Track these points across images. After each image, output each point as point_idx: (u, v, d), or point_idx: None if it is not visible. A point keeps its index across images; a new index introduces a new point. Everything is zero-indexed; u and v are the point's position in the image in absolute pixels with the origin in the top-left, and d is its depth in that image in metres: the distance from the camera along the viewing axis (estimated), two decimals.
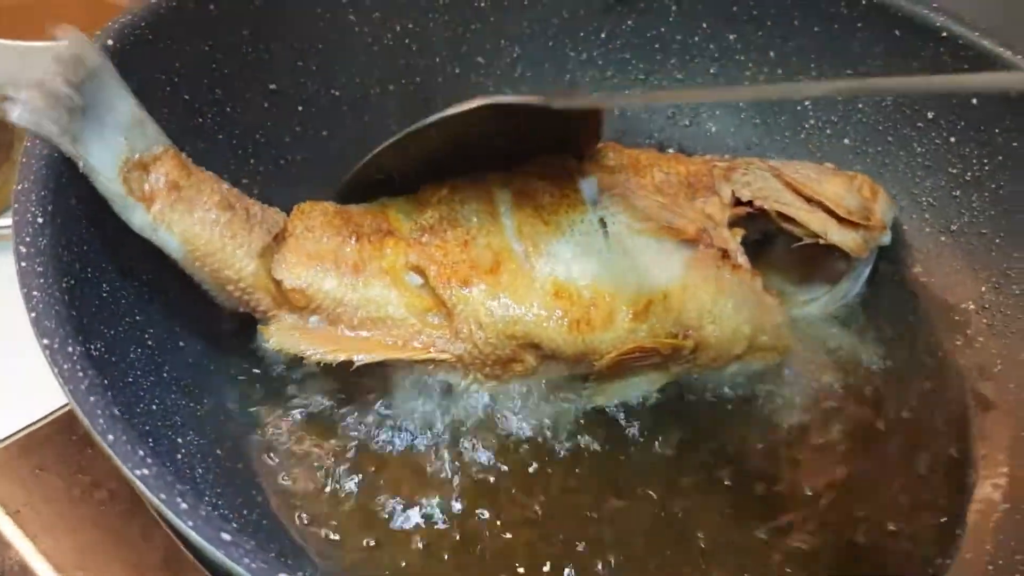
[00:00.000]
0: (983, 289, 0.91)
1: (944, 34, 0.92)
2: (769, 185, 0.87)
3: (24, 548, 0.77)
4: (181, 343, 0.77)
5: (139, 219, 0.69)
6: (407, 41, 1.00)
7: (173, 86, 0.82)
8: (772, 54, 1.03)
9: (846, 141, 1.01)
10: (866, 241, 0.87)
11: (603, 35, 1.05)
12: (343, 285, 0.75)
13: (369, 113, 0.99)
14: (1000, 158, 0.91)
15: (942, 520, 0.78)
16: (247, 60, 0.89)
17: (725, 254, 0.80)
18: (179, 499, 0.48)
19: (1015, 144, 0.90)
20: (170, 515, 0.48)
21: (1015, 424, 0.83)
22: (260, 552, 0.47)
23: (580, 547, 0.73)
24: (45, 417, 0.85)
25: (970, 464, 0.82)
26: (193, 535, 0.47)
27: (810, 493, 0.78)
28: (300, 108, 0.95)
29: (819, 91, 0.72)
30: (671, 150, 1.07)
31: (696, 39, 1.05)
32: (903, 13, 0.94)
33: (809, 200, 0.86)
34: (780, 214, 0.85)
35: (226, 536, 0.47)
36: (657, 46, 1.06)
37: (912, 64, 0.95)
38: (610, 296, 0.76)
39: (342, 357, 0.73)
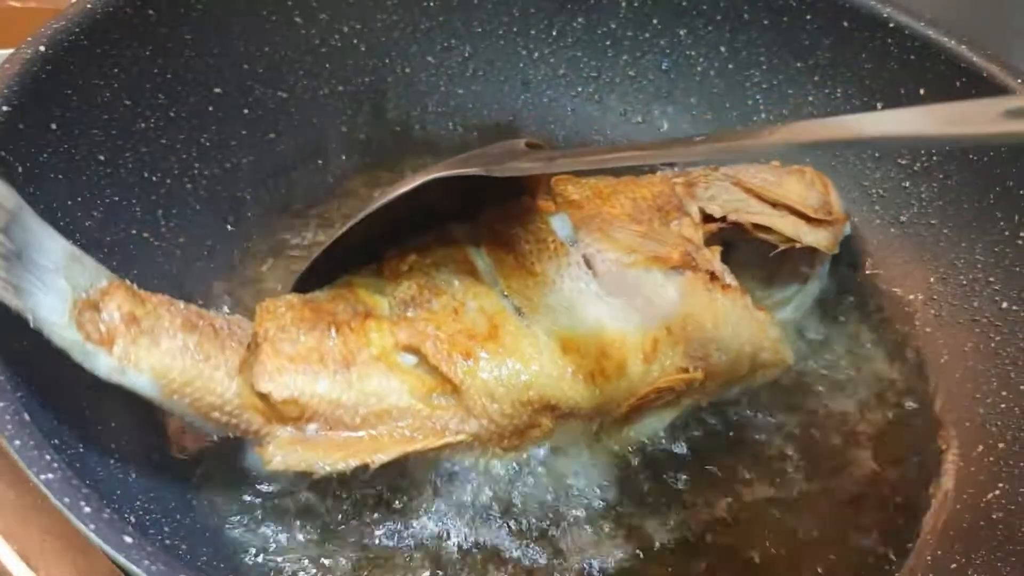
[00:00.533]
0: (931, 280, 0.91)
1: (891, 24, 0.92)
2: (734, 196, 0.86)
3: None
4: None
5: (103, 365, 0.62)
6: (355, 42, 1.00)
7: (113, 91, 0.82)
8: (722, 48, 1.03)
9: None
10: (835, 236, 0.87)
11: (554, 33, 1.05)
12: (337, 384, 0.68)
13: (318, 115, 1.00)
14: (948, 148, 0.91)
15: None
16: (189, 64, 0.89)
17: (713, 276, 0.77)
18: (82, 503, 0.48)
19: None
20: (72, 519, 0.48)
21: (961, 414, 0.82)
22: (162, 554, 0.47)
23: None
24: None
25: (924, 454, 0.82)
26: (95, 539, 0.47)
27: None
28: (246, 111, 0.94)
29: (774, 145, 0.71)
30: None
31: (647, 35, 1.04)
32: (850, 4, 0.95)
33: (774, 204, 0.86)
34: (754, 224, 0.85)
35: (128, 539, 0.47)
36: (608, 43, 1.06)
37: (861, 55, 0.96)
38: (618, 341, 0.72)
39: (355, 463, 0.66)
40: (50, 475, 0.50)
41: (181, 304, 0.69)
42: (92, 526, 0.48)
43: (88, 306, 0.62)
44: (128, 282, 0.67)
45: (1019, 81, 0.86)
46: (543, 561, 0.72)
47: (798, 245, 0.85)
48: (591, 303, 0.73)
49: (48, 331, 0.59)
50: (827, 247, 0.86)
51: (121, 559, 0.47)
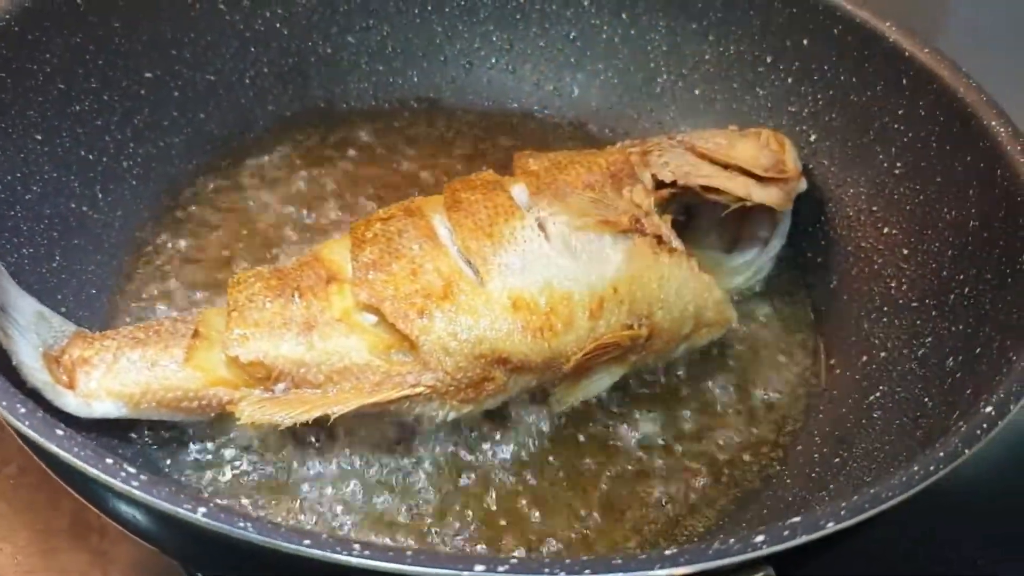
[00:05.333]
0: (821, 215, 0.97)
1: None
2: (686, 161, 0.90)
3: None
4: None
5: (71, 403, 0.71)
6: (278, 26, 1.07)
7: (46, 76, 0.87)
8: (624, 15, 1.10)
9: (697, 92, 1.09)
10: (787, 193, 0.91)
11: (466, 8, 1.12)
12: (300, 345, 0.74)
13: (246, 95, 1.06)
14: (831, 92, 0.98)
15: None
16: (120, 50, 0.95)
17: (660, 240, 0.81)
18: (19, 405, 0.54)
19: (842, 78, 0.97)
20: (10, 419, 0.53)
21: (848, 331, 0.90)
22: (91, 445, 0.53)
23: None
24: None
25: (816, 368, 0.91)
26: (30, 433, 0.53)
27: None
28: (177, 94, 1.00)
29: None
30: (538, 112, 1.14)
31: (553, 7, 1.11)
32: None
33: (726, 167, 0.90)
34: (703, 187, 0.89)
35: (60, 432, 0.53)
36: (518, 16, 1.12)
37: (749, 12, 1.03)
38: (565, 299, 0.76)
39: (316, 413, 0.71)
40: None
41: (126, 329, 0.77)
42: (27, 422, 0.54)
43: (54, 360, 0.71)
44: (85, 331, 0.76)
45: (887, 24, 0.93)
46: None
47: (748, 203, 0.89)
48: (542, 263, 0.77)
49: (25, 372, 0.68)
50: (779, 204, 0.90)
51: (54, 448, 0.53)
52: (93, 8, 0.91)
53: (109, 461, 0.53)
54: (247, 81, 1.06)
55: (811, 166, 0.99)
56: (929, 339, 0.81)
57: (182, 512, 0.51)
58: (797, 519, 0.53)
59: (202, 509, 0.51)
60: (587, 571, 0.50)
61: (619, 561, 0.51)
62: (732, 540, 0.52)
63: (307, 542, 0.50)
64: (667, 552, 0.51)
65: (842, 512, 0.54)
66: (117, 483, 0.52)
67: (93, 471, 0.52)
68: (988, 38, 1.42)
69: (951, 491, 0.61)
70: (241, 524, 0.50)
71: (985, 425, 0.60)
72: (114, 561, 0.85)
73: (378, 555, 0.50)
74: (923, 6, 1.50)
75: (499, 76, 1.15)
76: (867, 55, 0.94)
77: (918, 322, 0.83)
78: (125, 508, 0.57)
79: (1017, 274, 0.74)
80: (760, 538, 0.52)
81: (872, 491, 0.56)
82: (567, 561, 0.51)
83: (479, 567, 0.49)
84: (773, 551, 0.52)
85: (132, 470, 0.53)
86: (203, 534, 0.52)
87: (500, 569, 0.50)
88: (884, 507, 0.55)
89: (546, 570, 0.50)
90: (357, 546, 0.50)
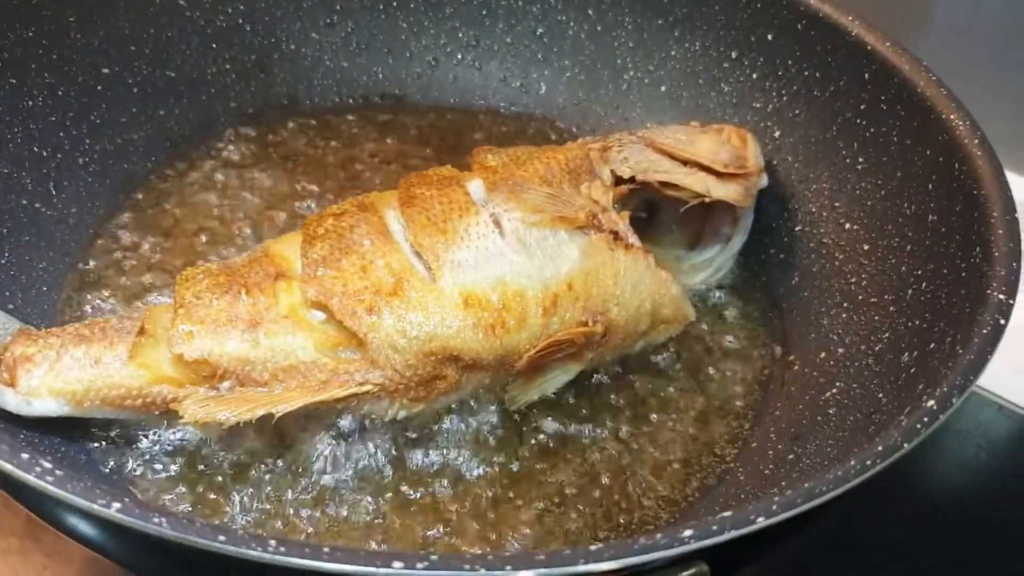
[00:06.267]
0: (784, 212, 0.97)
1: None
2: (645, 157, 0.89)
3: None
4: None
5: (11, 401, 0.70)
6: (240, 22, 1.06)
7: None
8: (590, 12, 1.09)
9: (663, 88, 1.08)
10: (747, 189, 0.90)
11: (432, 3, 1.11)
12: (245, 342, 0.72)
13: (207, 92, 1.05)
14: (795, 87, 0.97)
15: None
16: (76, 45, 0.94)
17: (616, 236, 0.80)
18: None
19: (806, 73, 0.96)
20: None
21: (807, 328, 0.89)
22: (9, 439, 0.52)
23: None
24: None
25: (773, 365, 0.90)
26: None
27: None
28: (135, 90, 1.00)
29: None
30: (505, 109, 1.13)
31: (520, 3, 1.11)
32: None
33: (685, 163, 0.89)
34: (662, 183, 0.88)
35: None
36: (484, 12, 1.12)
37: (714, 8, 1.02)
38: (518, 295, 0.76)
39: (261, 412, 0.70)
40: None
41: (72, 326, 0.75)
42: None
43: None
44: (30, 328, 0.75)
45: (850, 19, 0.92)
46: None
47: (707, 199, 0.88)
48: (496, 260, 0.76)
49: None
50: (738, 200, 0.89)
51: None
52: (46, 2, 0.91)
53: (25, 456, 0.52)
54: (208, 77, 1.05)
55: (775, 162, 0.98)
56: (887, 335, 0.80)
57: (96, 508, 0.50)
58: (728, 513, 0.52)
59: (116, 504, 0.50)
60: (508, 567, 0.49)
61: (542, 557, 0.50)
62: (659, 535, 0.51)
63: (222, 538, 0.49)
64: (592, 548, 0.50)
65: (773, 507, 0.53)
66: (31, 478, 0.51)
67: (7, 466, 0.51)
68: (969, 35, 1.42)
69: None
70: (156, 519, 0.49)
71: (926, 419, 0.59)
72: (68, 563, 0.84)
73: (295, 551, 0.49)
74: (904, 4, 1.50)
75: (465, 72, 1.14)
76: (830, 49, 0.94)
77: (876, 318, 0.82)
78: (46, 506, 0.56)
79: (971, 268, 0.73)
80: (688, 532, 0.51)
81: (807, 485, 0.54)
82: (489, 557, 0.49)
83: (397, 564, 0.48)
84: (701, 546, 0.51)
85: (48, 465, 0.52)
86: (122, 531, 0.51)
87: (419, 566, 0.48)
88: (817, 502, 0.54)
89: (466, 566, 0.49)
90: (273, 542, 0.49)
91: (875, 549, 0.86)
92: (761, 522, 0.52)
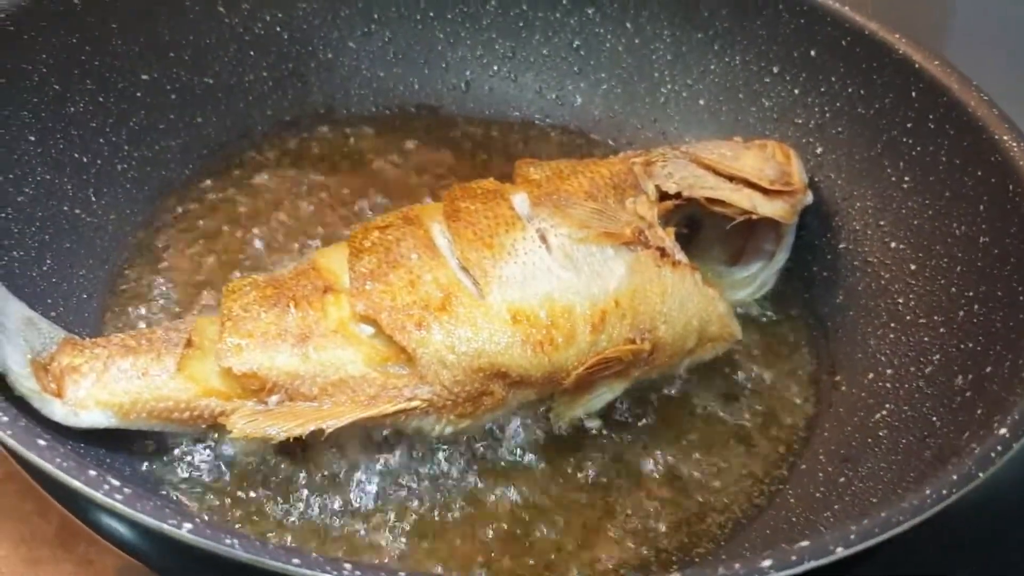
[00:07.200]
0: (828, 230, 0.96)
1: None
2: (690, 172, 0.88)
3: None
4: None
5: (58, 412, 0.68)
6: (278, 30, 1.05)
7: (41, 76, 0.86)
8: (628, 25, 1.09)
9: (701, 102, 1.07)
10: (792, 206, 0.90)
11: (469, 15, 1.11)
12: (294, 356, 0.72)
13: (244, 99, 1.04)
14: (838, 104, 0.97)
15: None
16: (117, 52, 0.94)
17: (663, 252, 0.80)
18: (0, 413, 0.52)
19: (850, 90, 0.96)
20: None
21: (854, 347, 0.88)
22: (75, 456, 0.51)
23: None
24: None
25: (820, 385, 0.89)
26: (11, 443, 0.51)
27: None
28: (174, 96, 0.99)
29: None
30: (540, 121, 1.12)
31: (557, 15, 1.10)
32: None
33: (731, 178, 0.88)
34: (708, 199, 0.87)
35: (42, 442, 0.51)
36: (521, 24, 1.11)
37: (756, 22, 1.02)
38: (566, 312, 0.75)
39: (311, 427, 0.69)
40: None
41: (117, 336, 0.74)
42: (8, 431, 0.52)
43: (42, 367, 0.69)
44: (75, 337, 0.73)
45: (897, 36, 0.92)
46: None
47: (754, 216, 0.87)
48: (543, 276, 0.76)
49: (12, 379, 0.66)
50: (784, 217, 0.88)
51: (35, 458, 0.51)
52: (90, 9, 0.90)
53: (92, 473, 0.51)
54: (246, 85, 1.04)
55: (817, 179, 0.97)
56: (937, 356, 0.79)
57: (167, 527, 0.49)
58: (805, 543, 0.52)
59: (188, 525, 0.49)
60: None
61: None
62: (737, 565, 0.50)
63: (296, 561, 0.48)
64: None
65: (851, 536, 0.52)
66: (100, 496, 0.50)
67: (75, 483, 0.51)
68: (990, 42, 1.41)
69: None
70: (228, 541, 0.49)
71: (1000, 447, 0.58)
72: (101, 572, 0.83)
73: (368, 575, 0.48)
74: (926, 9, 1.49)
75: (501, 84, 1.14)
76: (876, 67, 0.93)
77: (926, 339, 0.81)
78: (108, 521, 0.55)
79: None
80: (767, 563, 0.50)
81: (883, 515, 0.54)
82: None
83: None
84: None
85: (116, 483, 0.51)
86: (188, 550, 0.50)
87: None
88: (895, 531, 0.53)
89: None
90: (348, 566, 0.48)
91: None
92: (840, 552, 0.51)
